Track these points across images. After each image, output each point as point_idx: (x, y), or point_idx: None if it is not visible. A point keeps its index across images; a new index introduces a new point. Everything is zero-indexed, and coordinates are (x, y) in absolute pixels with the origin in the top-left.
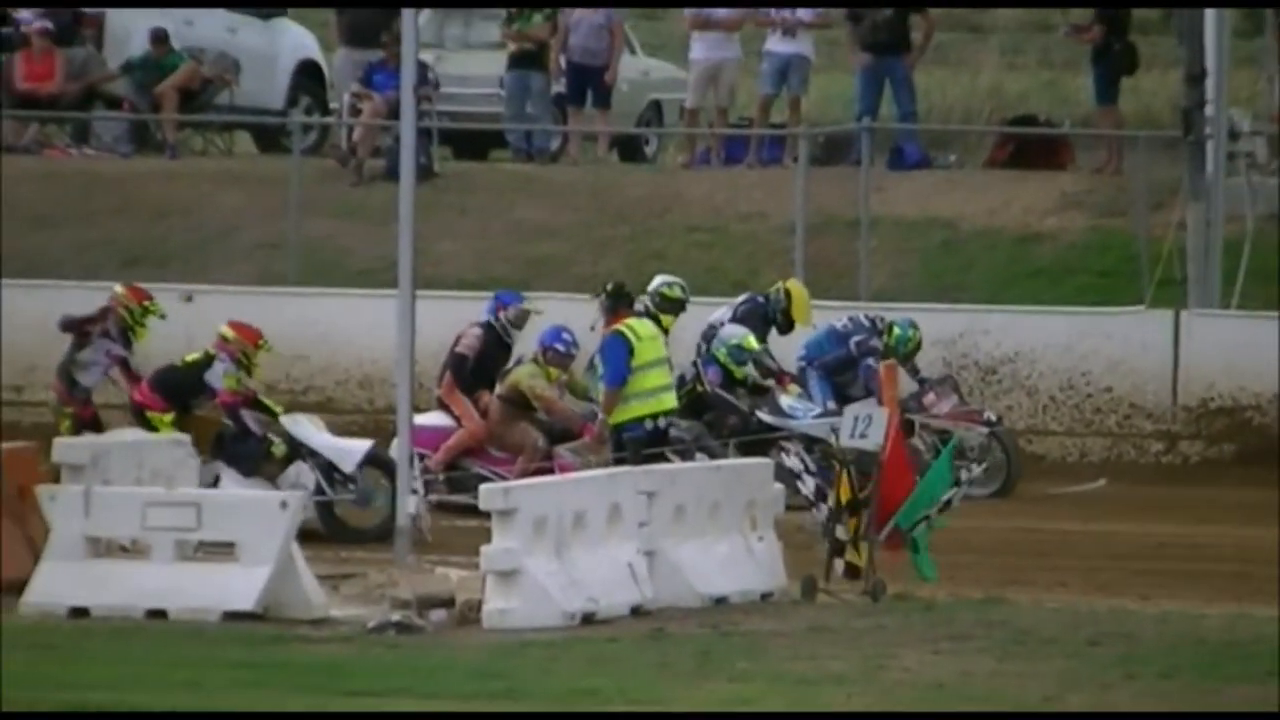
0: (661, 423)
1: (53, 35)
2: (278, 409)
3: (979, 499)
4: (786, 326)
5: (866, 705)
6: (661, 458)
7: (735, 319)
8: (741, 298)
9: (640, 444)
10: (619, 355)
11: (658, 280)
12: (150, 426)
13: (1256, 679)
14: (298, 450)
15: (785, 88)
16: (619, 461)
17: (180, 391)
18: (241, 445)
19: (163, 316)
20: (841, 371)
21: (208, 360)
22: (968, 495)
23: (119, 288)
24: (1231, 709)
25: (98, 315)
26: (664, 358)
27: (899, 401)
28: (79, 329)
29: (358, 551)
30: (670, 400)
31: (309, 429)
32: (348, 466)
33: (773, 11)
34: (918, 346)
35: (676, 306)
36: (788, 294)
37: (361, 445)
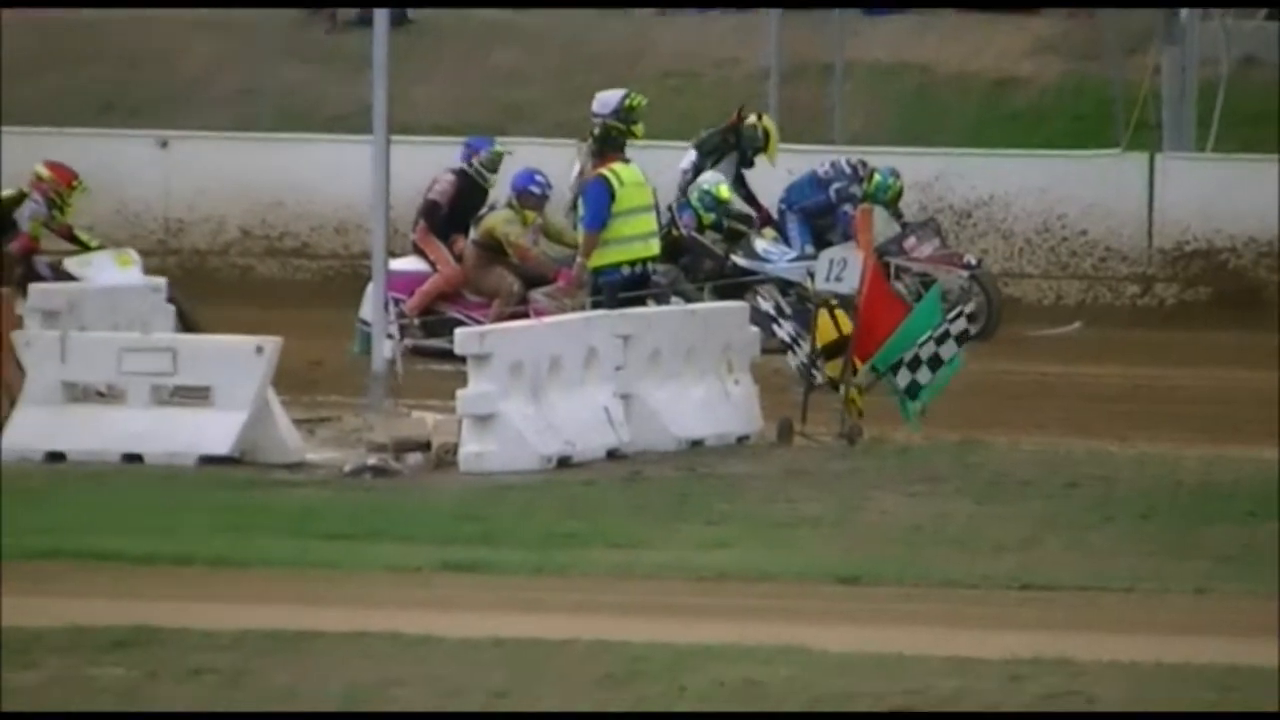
0: (639, 269)
1: None
2: (94, 243)
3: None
4: (751, 163)
5: (843, 549)
6: (640, 303)
7: (705, 154)
8: (703, 132)
9: (617, 288)
10: (600, 199)
11: (607, 96)
12: None
13: (1234, 519)
14: None
15: None
16: (596, 305)
17: None
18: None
19: (86, 191)
20: (821, 216)
21: (20, 198)
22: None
23: (41, 168)
24: (1208, 549)
25: (16, 197)
26: (648, 204)
27: (880, 245)
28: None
29: (334, 396)
30: (651, 247)
31: (109, 271)
32: None
33: None
34: (899, 194)
35: (637, 116)
36: (765, 132)
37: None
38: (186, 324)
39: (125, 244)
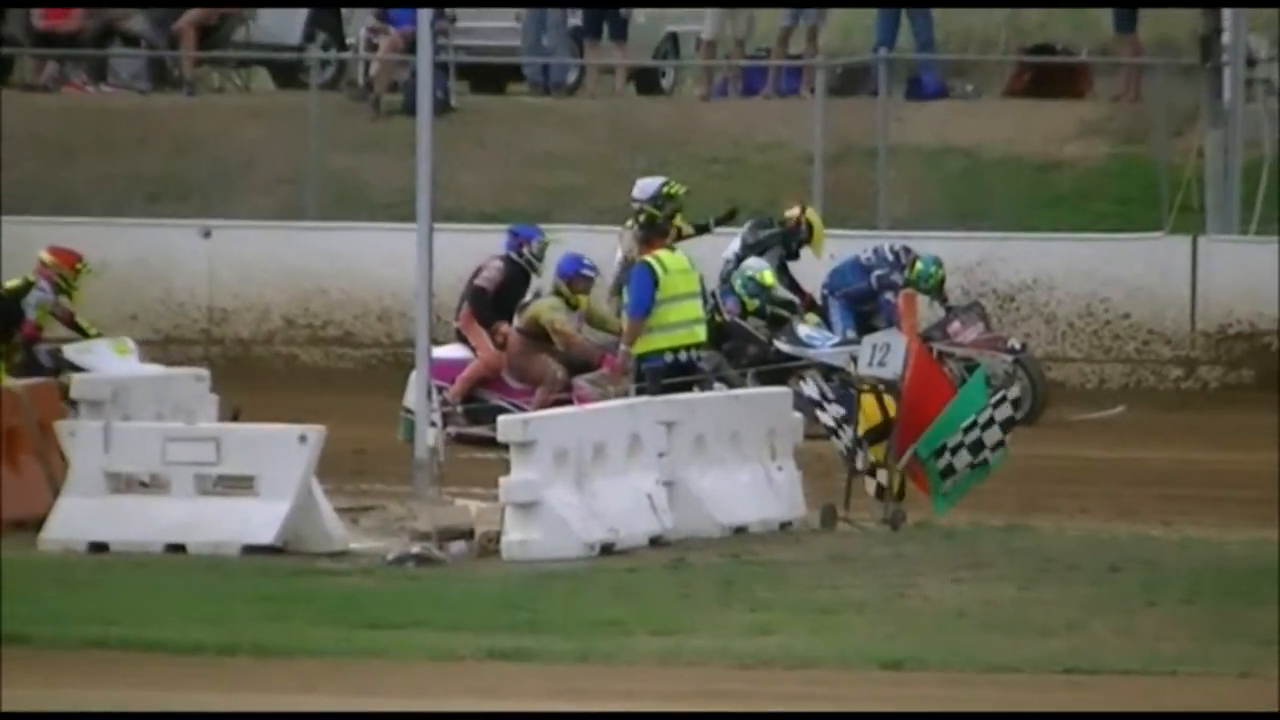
0: (683, 356)
1: None
2: (92, 330)
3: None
4: (796, 255)
5: (887, 634)
6: (684, 389)
7: (749, 246)
8: (748, 224)
9: (660, 374)
10: (644, 285)
11: (647, 184)
12: None
13: (1278, 603)
14: None
15: (802, 18)
16: (640, 392)
17: (2, 319)
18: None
19: (97, 275)
20: (863, 303)
21: (27, 287)
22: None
23: (45, 255)
24: (1254, 631)
25: (23, 286)
26: (693, 291)
27: (924, 330)
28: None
29: (377, 484)
30: (695, 334)
31: (107, 359)
32: None
33: None
34: (941, 282)
35: (677, 203)
36: (809, 226)
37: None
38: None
39: (170, 334)
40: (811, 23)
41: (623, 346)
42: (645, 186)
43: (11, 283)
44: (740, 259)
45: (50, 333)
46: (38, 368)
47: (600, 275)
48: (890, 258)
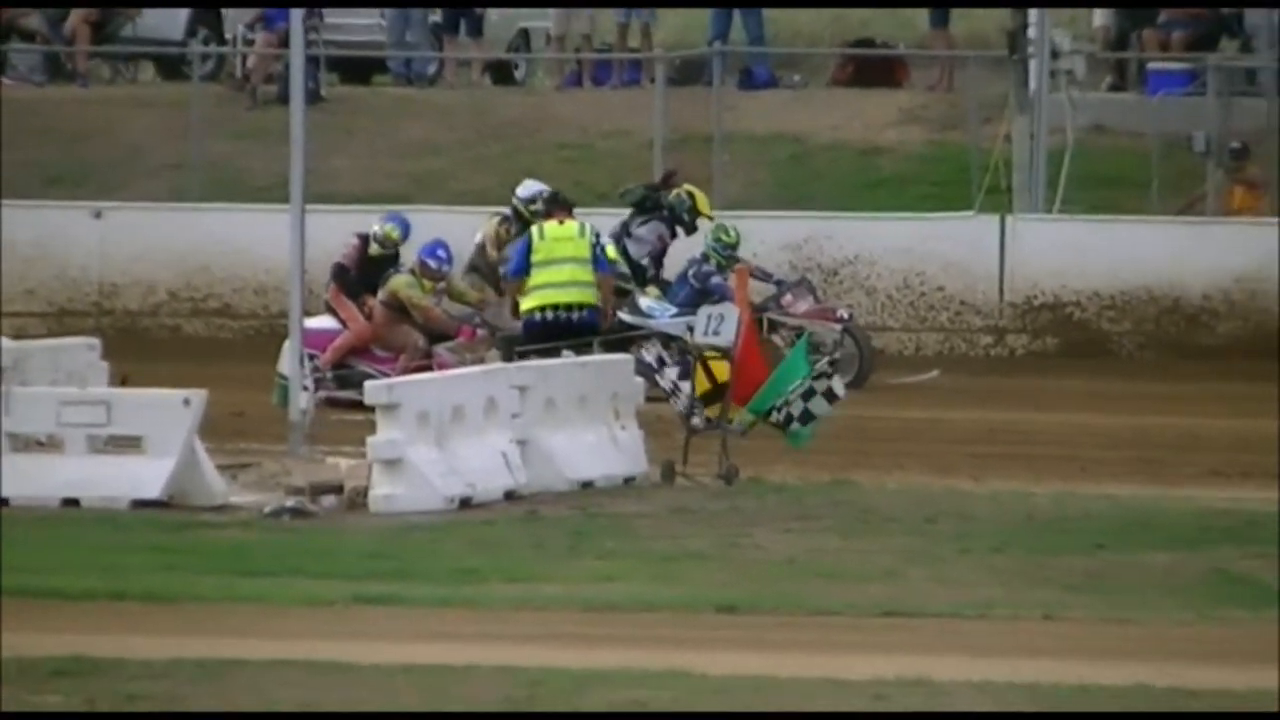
0: (550, 315)
1: None
2: None
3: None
4: (693, 226)
5: (723, 581)
6: (557, 349)
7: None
8: (635, 191)
9: (513, 342)
10: (518, 252)
11: (528, 188)
12: None
13: (1083, 551)
14: None
15: (635, 15)
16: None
17: None
18: None
19: None
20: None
21: None
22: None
23: None
24: (1058, 579)
25: None
26: (572, 256)
27: (759, 302)
28: None
29: (255, 444)
30: (559, 295)
31: None
32: None
33: None
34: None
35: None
36: (690, 195)
37: None
38: None
39: (64, 307)
40: (644, 20)
41: (493, 299)
42: (526, 187)
43: None
44: (624, 227)
45: None
46: None
47: (452, 264)
48: (699, 259)
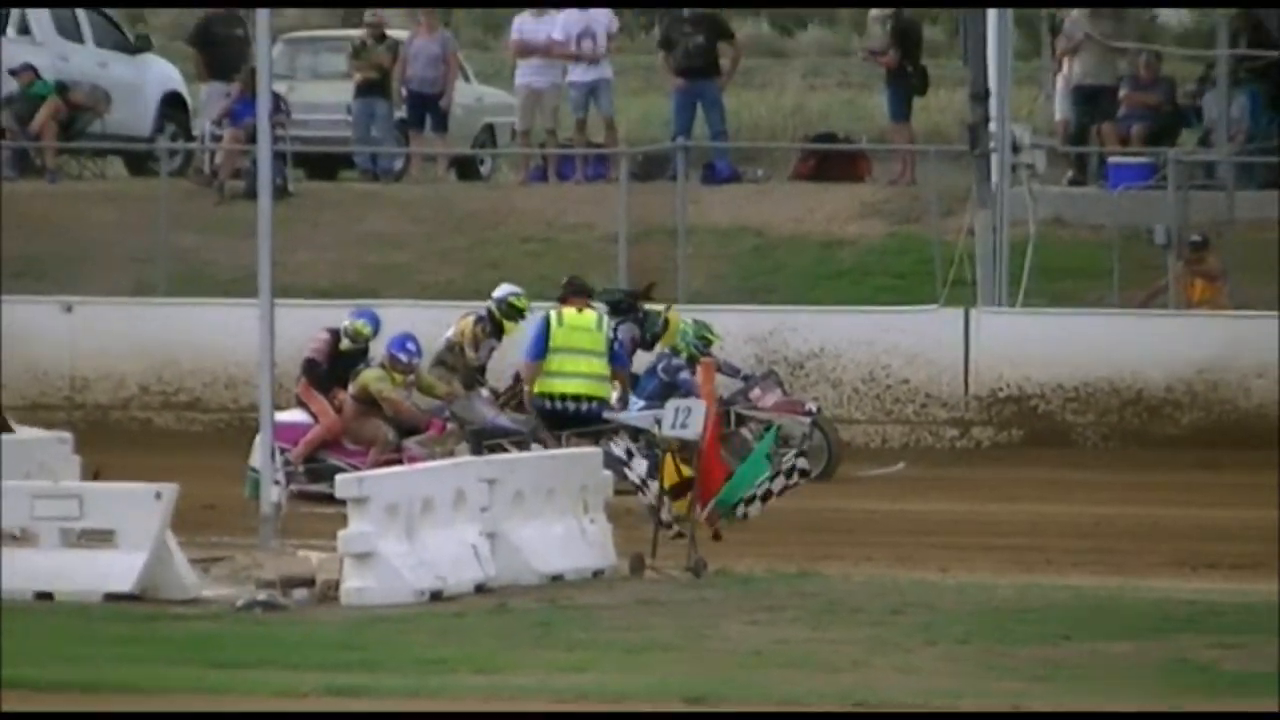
0: (559, 404)
1: None
2: None
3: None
4: (652, 347)
5: (690, 671)
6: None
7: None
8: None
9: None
10: (537, 335)
11: (504, 289)
12: None
13: (1047, 641)
14: None
15: (597, 109)
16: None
17: None
18: None
19: None
20: (668, 395)
21: None
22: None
23: None
24: (1021, 668)
25: None
26: (587, 348)
27: (728, 396)
28: None
29: (226, 537)
30: (579, 386)
31: None
32: None
33: (572, 46)
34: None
35: (519, 314)
36: (666, 323)
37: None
38: None
39: (35, 400)
40: (605, 114)
41: (525, 387)
42: (501, 290)
43: None
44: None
45: None
46: None
47: (421, 357)
48: (668, 353)
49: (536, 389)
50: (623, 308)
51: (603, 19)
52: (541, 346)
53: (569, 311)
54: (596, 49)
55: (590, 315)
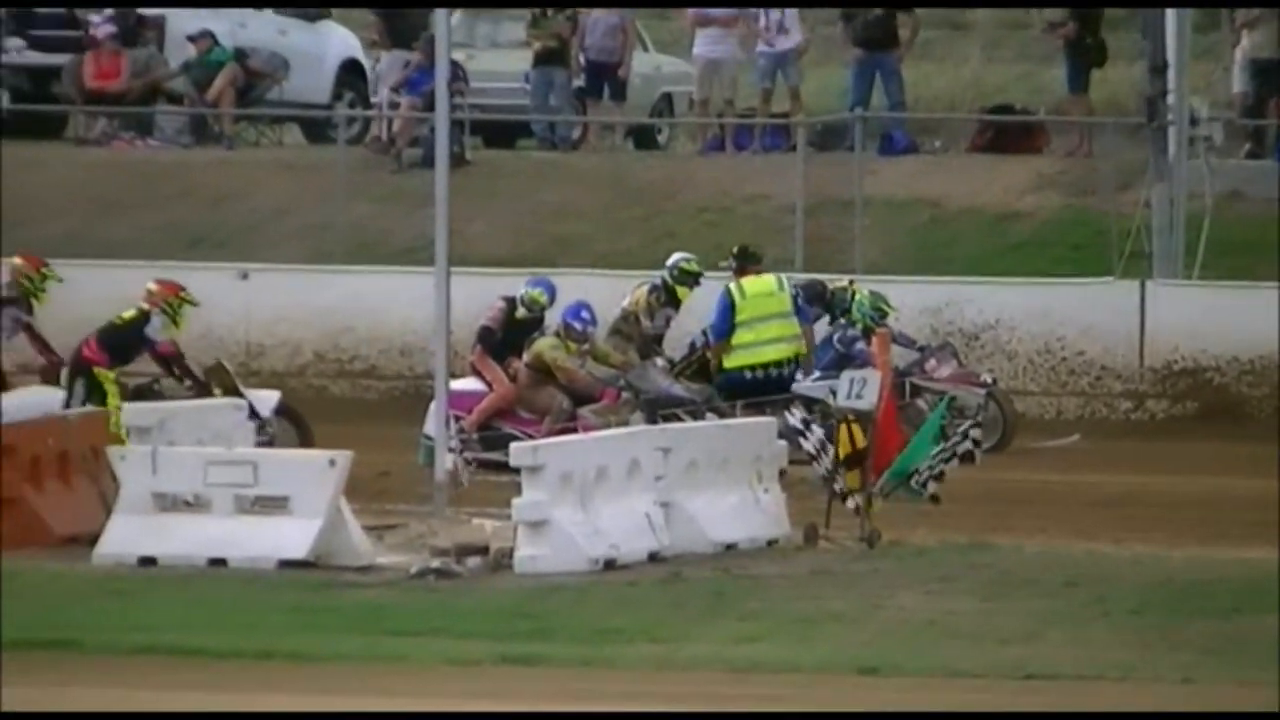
0: (760, 373)
1: (118, 37)
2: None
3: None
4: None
5: (863, 642)
6: (761, 407)
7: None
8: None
9: (739, 390)
10: (722, 313)
11: (676, 256)
12: (95, 382)
13: (1219, 614)
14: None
15: (783, 78)
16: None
17: (124, 347)
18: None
19: (59, 281)
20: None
21: (143, 316)
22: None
23: (17, 259)
24: (1196, 643)
25: (139, 315)
26: (775, 311)
27: (903, 367)
28: None
29: (400, 505)
30: (774, 352)
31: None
32: (265, 411)
33: (760, 21)
34: (879, 308)
35: (692, 280)
36: (854, 294)
37: (273, 395)
38: (302, 431)
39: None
40: (792, 83)
41: (714, 363)
42: (674, 257)
43: (127, 314)
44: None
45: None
46: (192, 379)
47: (596, 326)
48: (844, 324)
49: (731, 363)
50: (815, 296)
51: None
52: (728, 324)
53: (747, 281)
54: (784, 20)
55: (769, 279)
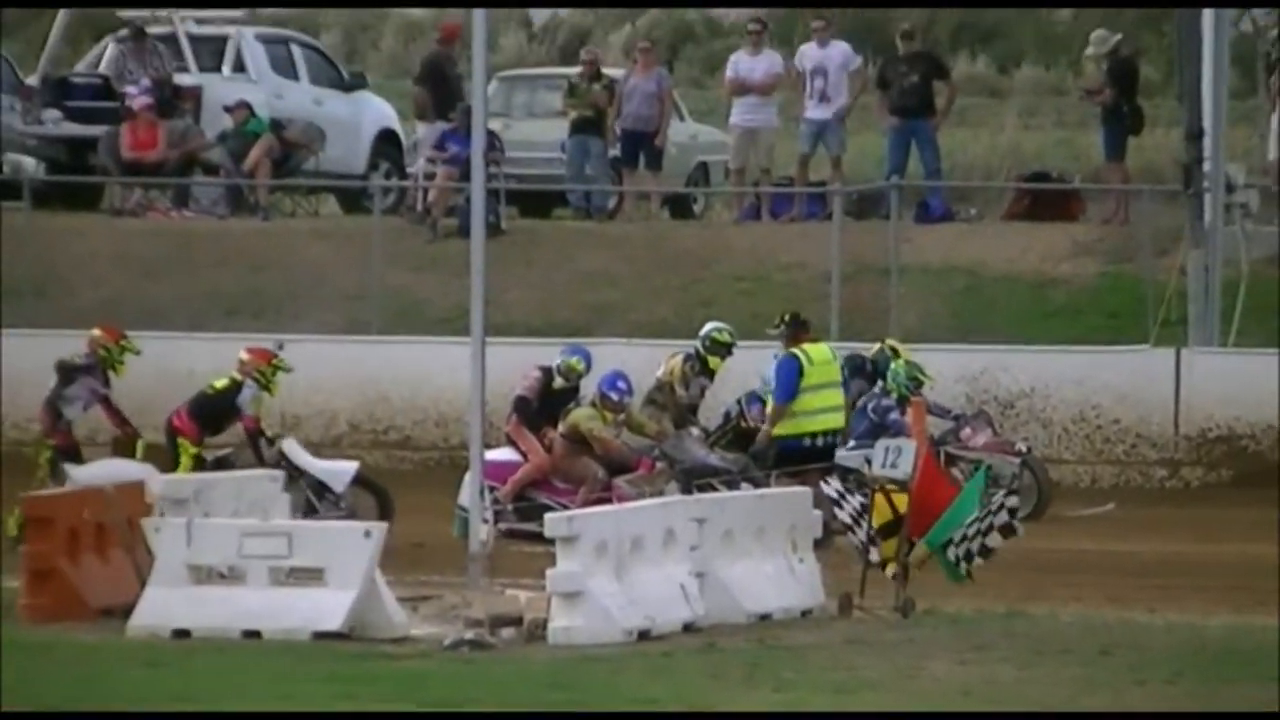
0: (820, 440)
1: (155, 108)
2: (272, 434)
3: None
4: (879, 378)
5: (900, 709)
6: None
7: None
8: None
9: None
10: (790, 374)
11: (708, 326)
12: (177, 453)
13: (1256, 681)
14: (294, 474)
15: (824, 147)
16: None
17: (215, 417)
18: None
19: (137, 353)
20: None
21: (235, 385)
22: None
23: (96, 330)
24: (1233, 709)
25: (231, 384)
26: (833, 380)
27: (938, 436)
28: (66, 369)
29: (435, 576)
30: (833, 420)
31: (300, 453)
32: (338, 487)
33: (807, 80)
34: (915, 377)
35: (724, 350)
36: (894, 350)
37: (349, 467)
38: (381, 504)
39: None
40: (833, 152)
41: (765, 428)
42: (707, 327)
43: (220, 382)
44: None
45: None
46: (257, 461)
47: (632, 395)
48: (878, 392)
49: (789, 429)
50: (856, 370)
51: (837, 55)
52: (794, 387)
53: (810, 347)
54: (828, 86)
55: (825, 347)
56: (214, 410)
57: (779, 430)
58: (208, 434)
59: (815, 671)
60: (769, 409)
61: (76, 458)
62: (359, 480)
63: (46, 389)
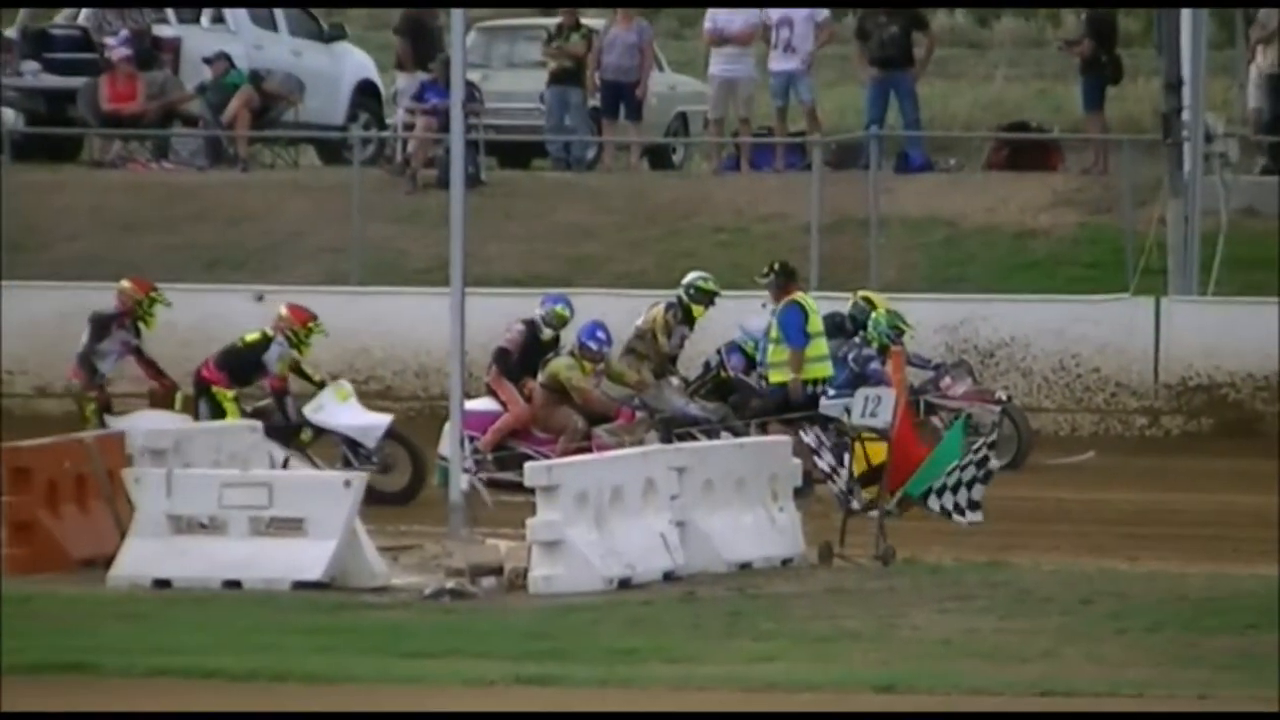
0: (818, 388)
1: (134, 60)
2: (318, 377)
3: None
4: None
5: (880, 661)
6: (801, 422)
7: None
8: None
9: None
10: (799, 321)
11: (692, 275)
12: (215, 402)
13: (1235, 631)
14: (323, 433)
15: (796, 97)
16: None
17: (242, 369)
18: (278, 428)
19: (168, 305)
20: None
21: (266, 341)
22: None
23: (126, 283)
24: (1212, 658)
25: (262, 339)
26: (823, 330)
27: (918, 385)
28: (99, 322)
29: (415, 525)
30: (827, 368)
31: (336, 409)
32: (370, 443)
33: (773, 32)
34: (896, 326)
35: (708, 298)
36: (870, 302)
37: (382, 421)
38: (414, 457)
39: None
40: (807, 102)
41: (794, 376)
42: (689, 276)
43: (251, 336)
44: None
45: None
46: (283, 419)
47: (611, 345)
48: (859, 343)
49: (787, 377)
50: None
51: (802, 10)
52: (805, 334)
53: (801, 296)
54: (794, 37)
55: (810, 299)
56: (241, 363)
57: (777, 378)
58: (235, 385)
59: (795, 621)
60: (788, 356)
61: (110, 410)
62: (391, 434)
63: (29, 340)
